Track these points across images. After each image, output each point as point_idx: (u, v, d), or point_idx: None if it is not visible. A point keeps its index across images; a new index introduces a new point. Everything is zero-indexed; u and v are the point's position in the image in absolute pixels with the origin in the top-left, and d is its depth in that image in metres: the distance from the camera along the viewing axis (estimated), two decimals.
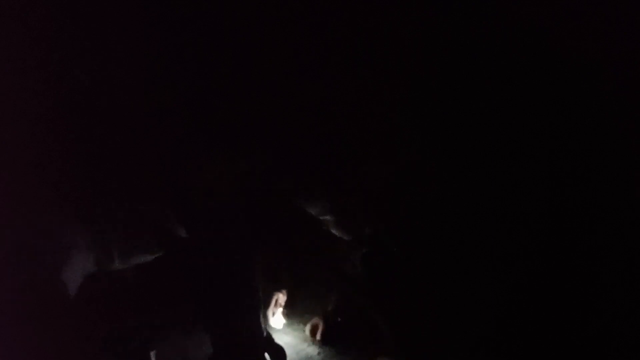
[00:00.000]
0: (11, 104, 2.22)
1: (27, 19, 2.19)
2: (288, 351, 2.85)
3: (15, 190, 2.24)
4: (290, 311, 3.31)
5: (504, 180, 2.46)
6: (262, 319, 2.72)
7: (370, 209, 2.74)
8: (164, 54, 2.40)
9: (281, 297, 3.24)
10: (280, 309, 3.25)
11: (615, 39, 2.37)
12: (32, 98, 2.26)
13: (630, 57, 2.39)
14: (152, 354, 2.62)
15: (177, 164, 2.55)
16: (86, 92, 2.33)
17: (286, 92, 2.55)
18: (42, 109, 2.26)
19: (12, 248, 2.13)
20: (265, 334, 2.76)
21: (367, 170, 2.65)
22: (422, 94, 2.53)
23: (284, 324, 3.25)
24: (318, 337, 3.08)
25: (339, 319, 3.13)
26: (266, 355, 2.72)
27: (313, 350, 3.03)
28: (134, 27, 2.35)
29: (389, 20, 2.54)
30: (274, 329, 3.15)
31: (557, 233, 2.46)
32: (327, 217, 2.88)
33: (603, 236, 2.39)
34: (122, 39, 2.34)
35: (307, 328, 3.15)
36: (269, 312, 3.18)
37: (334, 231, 2.94)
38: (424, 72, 2.52)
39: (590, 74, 2.42)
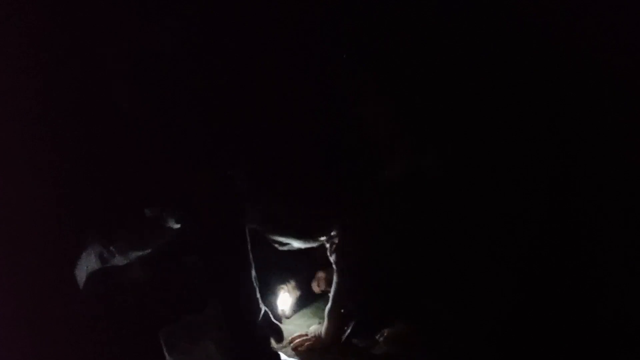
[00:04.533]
0: (10, 104, 2.22)
1: (27, 19, 2.18)
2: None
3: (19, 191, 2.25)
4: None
5: (504, 181, 2.49)
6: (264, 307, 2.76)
7: (371, 211, 2.73)
8: (164, 54, 2.38)
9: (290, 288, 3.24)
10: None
11: (615, 39, 2.39)
12: (32, 98, 2.26)
13: (630, 57, 2.41)
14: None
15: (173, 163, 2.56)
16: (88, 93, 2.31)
17: (285, 93, 2.54)
18: (45, 110, 2.25)
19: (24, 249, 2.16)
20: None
21: (367, 171, 2.65)
22: (420, 95, 2.52)
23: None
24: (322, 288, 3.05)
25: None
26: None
27: None
28: (135, 28, 2.34)
29: (389, 20, 2.54)
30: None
31: (558, 235, 2.50)
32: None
33: (605, 237, 2.44)
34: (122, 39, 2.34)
35: (314, 284, 3.12)
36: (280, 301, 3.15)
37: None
38: (422, 73, 2.52)
39: (590, 74, 2.44)
